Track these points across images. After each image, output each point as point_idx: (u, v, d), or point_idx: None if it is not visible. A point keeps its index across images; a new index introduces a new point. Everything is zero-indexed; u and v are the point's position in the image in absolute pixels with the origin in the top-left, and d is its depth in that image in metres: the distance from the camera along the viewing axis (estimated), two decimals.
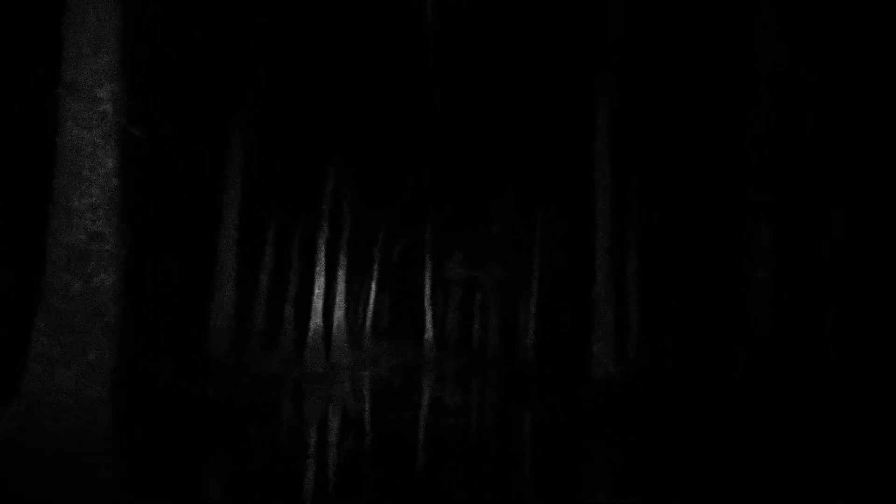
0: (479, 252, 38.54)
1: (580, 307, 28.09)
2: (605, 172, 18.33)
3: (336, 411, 17.85)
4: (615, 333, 18.21)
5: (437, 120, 30.56)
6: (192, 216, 22.12)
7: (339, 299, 31.13)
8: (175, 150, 19.80)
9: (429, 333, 39.69)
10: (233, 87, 19.99)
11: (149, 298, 19.02)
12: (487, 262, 38.24)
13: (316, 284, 27.63)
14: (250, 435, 13.57)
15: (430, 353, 38.82)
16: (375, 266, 38.34)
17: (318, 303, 27.54)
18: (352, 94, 26.37)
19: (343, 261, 31.15)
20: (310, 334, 27.40)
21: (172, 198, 20.74)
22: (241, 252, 26.04)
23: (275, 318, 32.09)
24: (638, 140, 22.50)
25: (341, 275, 31.19)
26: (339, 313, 30.97)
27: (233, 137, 19.49)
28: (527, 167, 31.54)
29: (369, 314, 38.55)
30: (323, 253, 27.62)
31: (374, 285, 38.45)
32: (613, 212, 18.20)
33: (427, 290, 39.84)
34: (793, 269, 16.60)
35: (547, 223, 32.66)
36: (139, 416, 11.47)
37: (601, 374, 17.67)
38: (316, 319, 27.42)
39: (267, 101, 22.77)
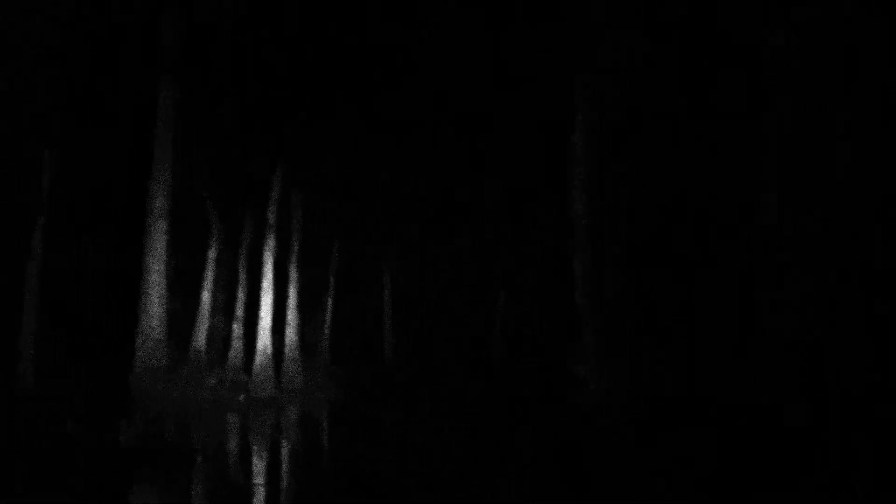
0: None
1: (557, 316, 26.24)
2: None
3: (274, 449, 15.73)
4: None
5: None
6: (113, 225, 19.90)
7: (291, 317, 28.96)
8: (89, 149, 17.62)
9: (388, 352, 37.72)
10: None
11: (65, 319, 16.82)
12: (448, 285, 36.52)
13: (263, 301, 25.46)
14: None
15: (391, 372, 36.80)
16: (331, 282, 36.23)
17: (265, 320, 25.38)
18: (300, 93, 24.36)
19: (295, 276, 29.00)
20: (256, 355, 25.20)
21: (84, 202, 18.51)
22: (179, 267, 23.82)
23: (222, 340, 29.86)
24: None
25: (293, 291, 29.03)
26: (290, 332, 28.80)
27: (156, 131, 17.34)
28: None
29: (326, 332, 36.39)
30: (271, 267, 25.47)
31: (330, 301, 36.32)
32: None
33: (386, 308, 37.87)
34: None
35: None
36: None
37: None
38: (264, 339, 25.24)
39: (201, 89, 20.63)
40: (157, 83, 17.77)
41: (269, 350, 25.27)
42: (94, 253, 19.31)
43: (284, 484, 11.59)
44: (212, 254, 25.79)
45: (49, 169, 16.81)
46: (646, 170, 19.77)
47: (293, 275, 28.74)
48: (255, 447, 15.93)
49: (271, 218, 25.29)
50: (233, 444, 15.68)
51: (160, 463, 12.84)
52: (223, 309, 28.43)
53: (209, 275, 25.79)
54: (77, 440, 12.86)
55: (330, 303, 36.10)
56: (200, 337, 25.72)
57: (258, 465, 13.60)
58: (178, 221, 19.65)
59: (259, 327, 25.29)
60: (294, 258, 28.71)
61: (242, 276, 28.14)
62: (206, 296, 25.68)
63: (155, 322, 17.48)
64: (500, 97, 27.54)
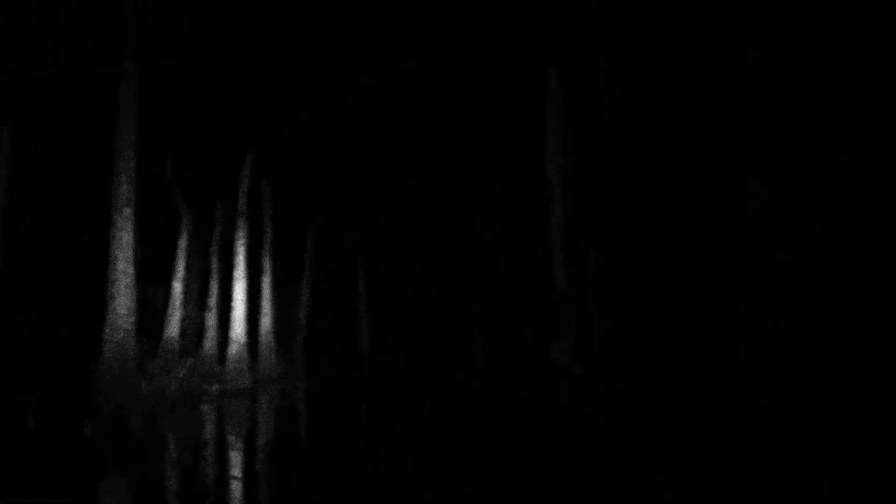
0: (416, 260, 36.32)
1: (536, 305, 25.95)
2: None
3: (248, 442, 15.30)
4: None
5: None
6: (79, 210, 19.29)
7: (266, 306, 28.49)
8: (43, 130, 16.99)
9: (365, 340, 37.31)
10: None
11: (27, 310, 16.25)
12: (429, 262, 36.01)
13: (235, 290, 24.95)
14: None
15: (368, 361, 36.41)
16: (307, 270, 35.72)
17: (239, 309, 24.87)
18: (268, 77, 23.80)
19: (268, 265, 28.50)
20: (230, 345, 24.69)
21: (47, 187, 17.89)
22: (148, 256, 23.28)
23: (195, 330, 29.31)
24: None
25: (267, 280, 28.54)
26: (265, 321, 28.33)
27: (119, 118, 16.77)
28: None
29: (302, 321, 35.88)
30: (243, 256, 24.95)
31: (305, 291, 35.81)
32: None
33: (362, 293, 37.44)
34: None
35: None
36: None
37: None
38: (237, 328, 24.73)
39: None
40: (120, 71, 17.16)
41: (243, 340, 24.78)
42: (59, 239, 18.70)
43: (259, 478, 11.17)
44: (182, 243, 25.25)
45: (5, 151, 16.24)
46: (645, 169, 19.47)
47: (266, 264, 28.25)
48: (228, 440, 15.48)
49: (242, 206, 24.75)
50: (204, 437, 15.22)
51: (126, 458, 12.38)
52: (196, 299, 27.90)
53: (180, 264, 25.25)
54: (38, 436, 12.38)
55: (305, 292, 35.64)
56: (173, 327, 25.19)
57: (232, 459, 13.16)
58: (146, 210, 19.05)
59: (232, 317, 24.78)
60: (267, 247, 28.21)
61: (215, 266, 27.61)
62: (177, 286, 25.14)
63: (123, 311, 16.94)
64: (496, 95, 27.17)
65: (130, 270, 17.31)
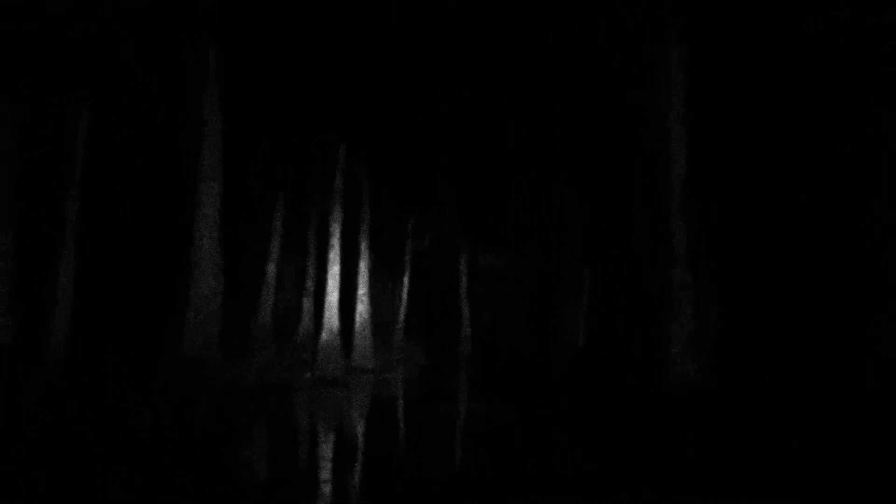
0: (516, 241, 34.67)
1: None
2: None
3: (331, 436, 14.11)
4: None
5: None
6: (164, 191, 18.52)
7: (362, 293, 27.45)
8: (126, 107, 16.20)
9: (465, 331, 35.95)
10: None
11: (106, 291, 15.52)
12: (526, 251, 34.39)
13: (330, 275, 23.93)
14: None
15: (466, 352, 35.06)
16: (407, 256, 34.60)
17: (333, 296, 23.83)
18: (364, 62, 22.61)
19: (365, 250, 27.44)
20: (323, 333, 23.71)
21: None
22: (242, 237, 22.53)
23: (288, 315, 28.60)
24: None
25: (363, 266, 27.49)
26: (361, 308, 27.29)
27: (205, 93, 15.81)
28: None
29: (402, 309, 34.81)
30: (338, 239, 23.89)
31: (406, 280, 34.71)
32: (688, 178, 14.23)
33: (462, 283, 36.07)
34: None
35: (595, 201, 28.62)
36: None
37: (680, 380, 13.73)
38: (330, 315, 23.71)
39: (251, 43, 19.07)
40: (207, 47, 16.23)
41: (336, 327, 23.74)
42: (140, 217, 17.98)
43: (331, 477, 9.92)
44: (277, 224, 24.41)
45: (83, 127, 15.53)
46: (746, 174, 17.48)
47: (364, 248, 27.21)
48: (308, 433, 14.38)
49: (338, 187, 23.70)
50: (282, 429, 14.14)
51: (199, 446, 11.37)
52: (290, 282, 27.16)
53: (275, 246, 24.44)
54: (109, 424, 11.51)
55: (405, 279, 34.55)
56: (265, 312, 24.43)
57: (306, 454, 12.01)
58: (237, 187, 18.15)
59: (326, 302, 23.78)
60: (364, 231, 27.16)
61: (312, 249, 26.76)
62: (271, 268, 24.35)
63: (207, 293, 16.03)
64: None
65: (216, 250, 16.40)
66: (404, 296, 34.69)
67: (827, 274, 15.31)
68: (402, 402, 20.17)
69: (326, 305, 23.76)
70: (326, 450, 12.29)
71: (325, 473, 10.31)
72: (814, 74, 15.81)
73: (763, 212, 16.83)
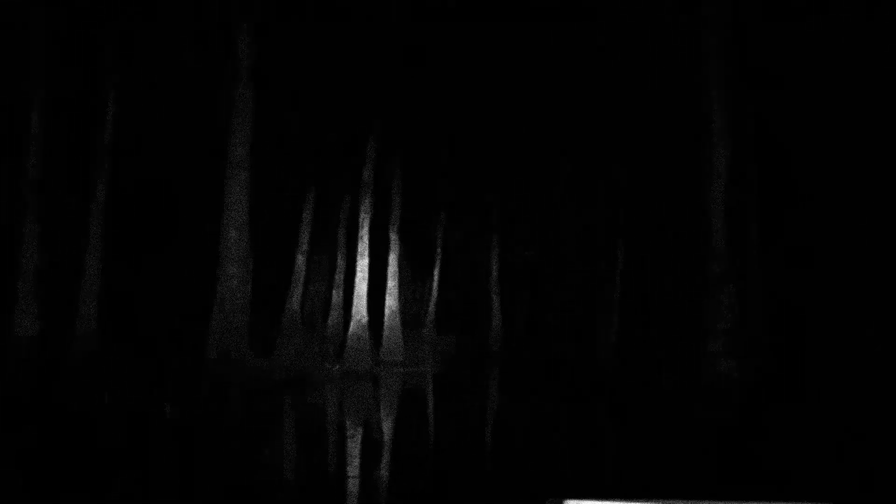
0: (550, 236, 34.09)
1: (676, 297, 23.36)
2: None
3: (359, 431, 13.77)
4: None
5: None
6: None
7: (392, 284, 27.10)
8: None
9: (496, 323, 35.48)
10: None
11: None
12: (558, 245, 33.79)
13: (358, 266, 23.61)
14: None
15: (496, 347, 34.61)
16: (439, 248, 34.18)
17: (361, 287, 23.51)
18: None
19: (395, 241, 27.07)
20: (351, 325, 23.40)
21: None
22: (270, 228, 22.27)
23: (317, 307, 28.34)
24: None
25: (393, 258, 27.13)
26: (390, 301, 26.95)
27: (235, 81, 15.48)
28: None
29: (432, 303, 34.43)
30: (366, 230, 23.55)
31: (436, 272, 34.29)
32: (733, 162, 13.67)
33: (493, 275, 35.60)
34: None
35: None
36: None
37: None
38: (359, 307, 23.39)
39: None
40: (236, 33, 15.92)
41: (365, 319, 23.40)
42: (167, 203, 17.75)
43: (360, 473, 9.56)
44: (307, 215, 24.11)
45: (110, 114, 15.34)
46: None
47: (394, 240, 26.84)
48: (336, 427, 14.07)
49: (368, 177, 23.34)
50: (309, 424, 13.85)
51: (222, 438, 11.09)
52: (319, 274, 26.90)
53: (304, 237, 24.15)
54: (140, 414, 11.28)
55: (437, 273, 34.12)
56: (294, 303, 24.16)
57: (335, 451, 11.68)
58: (265, 177, 17.87)
59: (354, 294, 23.46)
60: (394, 222, 26.79)
61: (342, 240, 26.45)
62: (300, 259, 24.07)
63: (235, 284, 15.73)
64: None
65: (244, 239, 16.10)
66: (435, 289, 34.30)
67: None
68: (431, 396, 19.82)
69: (355, 298, 23.46)
70: (353, 446, 11.97)
71: (353, 470, 9.97)
72: None
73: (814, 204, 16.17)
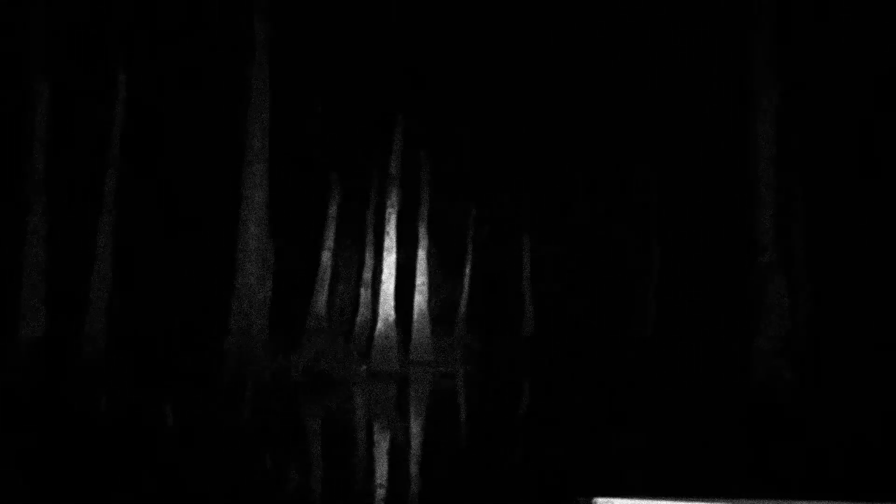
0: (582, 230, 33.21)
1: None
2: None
3: (385, 435, 13.08)
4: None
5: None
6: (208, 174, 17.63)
7: (421, 282, 26.34)
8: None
9: (528, 321, 34.66)
10: None
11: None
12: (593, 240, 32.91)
13: (385, 263, 22.91)
14: None
15: (529, 345, 33.71)
16: (469, 244, 33.34)
17: (388, 285, 22.80)
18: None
19: (424, 237, 26.32)
20: (379, 324, 22.69)
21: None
22: (295, 224, 21.68)
23: (343, 305, 27.64)
24: None
25: (422, 254, 26.38)
26: (419, 299, 26.19)
27: (252, 70, 14.79)
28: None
29: (463, 300, 33.59)
30: (394, 225, 22.83)
31: (468, 269, 33.45)
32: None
33: (525, 273, 34.77)
34: None
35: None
36: None
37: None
38: (386, 306, 22.68)
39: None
40: (253, 20, 15.23)
41: (393, 317, 22.69)
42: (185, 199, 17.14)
43: (384, 483, 8.87)
44: (332, 211, 23.44)
45: (120, 110, 14.74)
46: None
47: (422, 235, 26.09)
48: (363, 431, 13.41)
49: (395, 170, 22.60)
50: (332, 427, 13.17)
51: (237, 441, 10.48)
52: (344, 271, 26.22)
53: (330, 233, 23.48)
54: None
55: (468, 269, 33.29)
56: (320, 302, 23.51)
57: (359, 457, 11.01)
58: (288, 171, 17.21)
59: (382, 292, 22.74)
60: (423, 217, 26.03)
61: (369, 237, 25.75)
62: (325, 256, 23.42)
63: (253, 281, 15.05)
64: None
65: (264, 235, 15.43)
66: (466, 286, 33.45)
67: None
68: (463, 398, 19.10)
69: (382, 295, 22.76)
70: (380, 451, 11.30)
71: (381, 467, 9.33)
72: None
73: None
